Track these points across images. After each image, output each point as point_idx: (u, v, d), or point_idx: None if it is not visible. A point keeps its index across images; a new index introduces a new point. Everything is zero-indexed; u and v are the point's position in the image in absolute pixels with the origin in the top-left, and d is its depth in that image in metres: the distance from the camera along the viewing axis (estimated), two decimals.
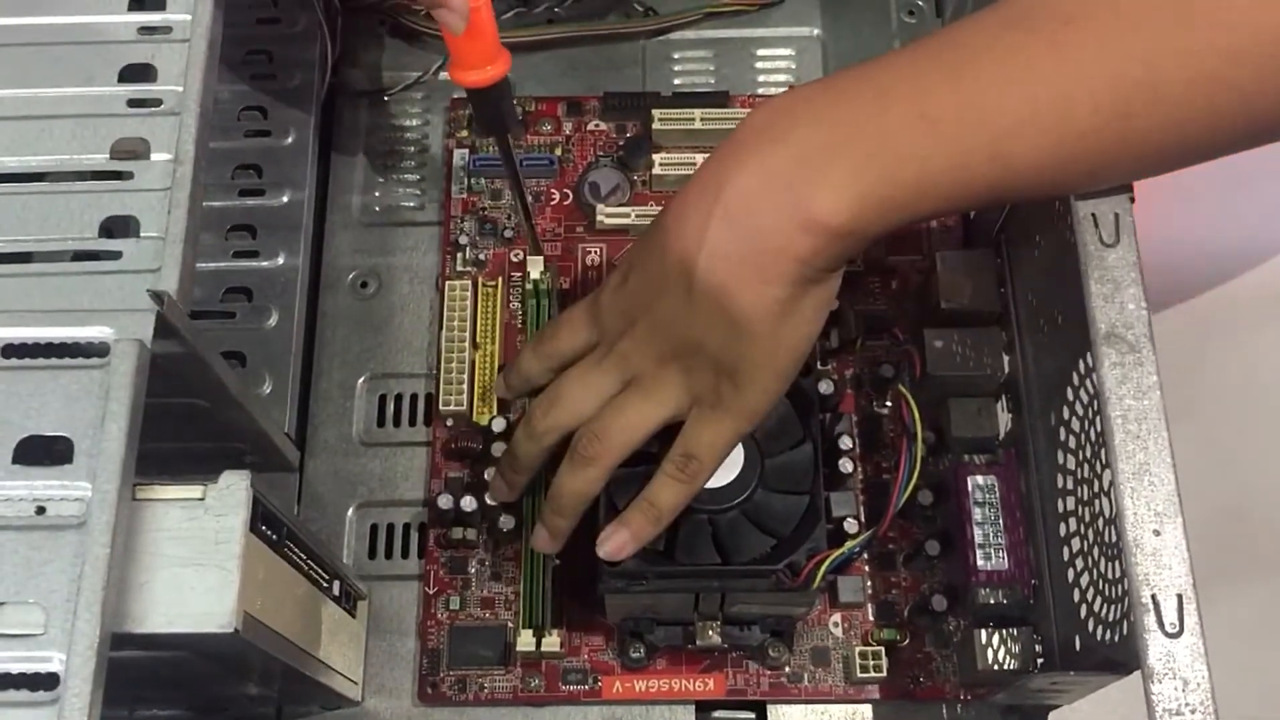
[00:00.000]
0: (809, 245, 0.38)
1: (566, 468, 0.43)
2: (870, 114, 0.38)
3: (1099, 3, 0.36)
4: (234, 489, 0.36)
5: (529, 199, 0.55)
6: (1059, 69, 0.36)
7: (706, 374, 0.41)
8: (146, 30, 0.42)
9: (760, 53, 0.61)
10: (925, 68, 0.38)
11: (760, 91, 0.60)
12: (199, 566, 0.35)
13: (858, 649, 0.49)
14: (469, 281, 0.54)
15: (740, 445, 0.44)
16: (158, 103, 0.41)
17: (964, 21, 0.38)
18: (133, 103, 0.41)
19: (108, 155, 0.40)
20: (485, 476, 0.50)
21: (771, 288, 0.39)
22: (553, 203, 0.57)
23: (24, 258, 0.38)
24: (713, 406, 0.41)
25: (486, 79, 0.45)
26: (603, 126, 0.58)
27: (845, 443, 0.49)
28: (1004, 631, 0.46)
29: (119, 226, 0.39)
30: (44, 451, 0.34)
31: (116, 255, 0.38)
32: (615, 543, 0.42)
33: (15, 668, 0.31)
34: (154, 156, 0.40)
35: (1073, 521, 0.43)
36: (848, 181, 0.37)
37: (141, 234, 0.38)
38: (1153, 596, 0.35)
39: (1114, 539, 0.38)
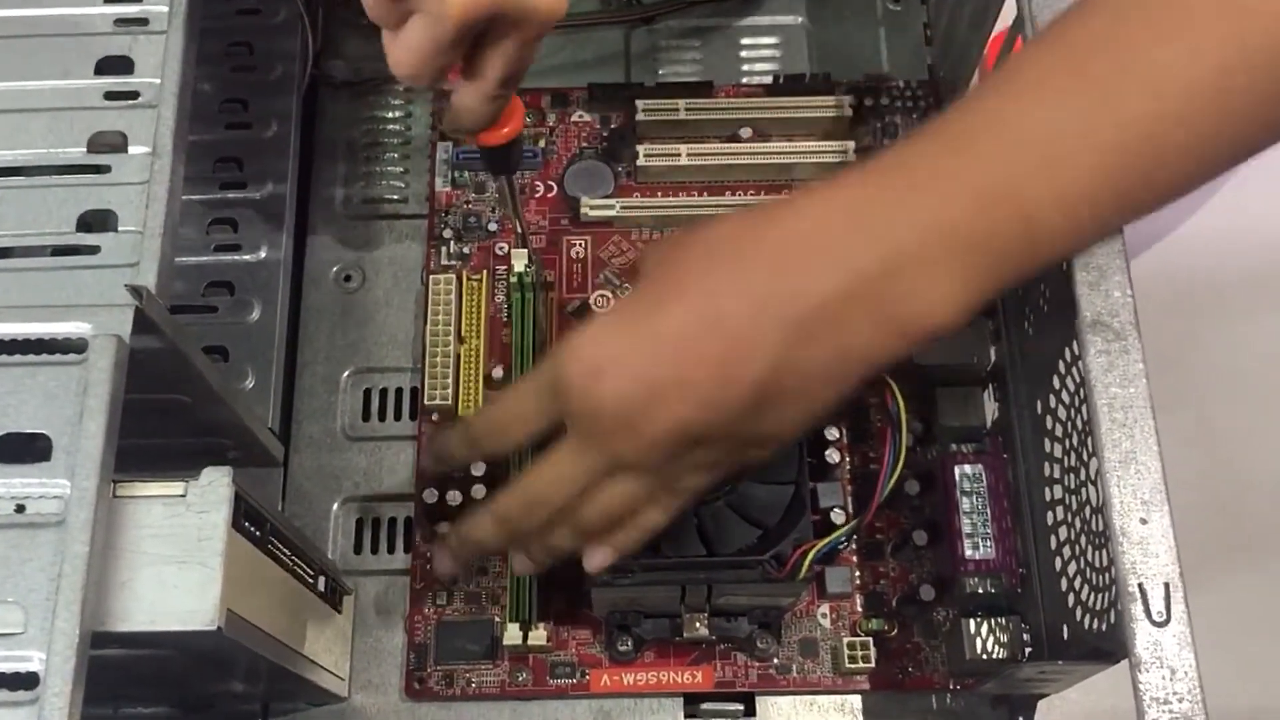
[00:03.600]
0: (903, 348, 0.35)
1: (570, 536, 0.41)
2: (950, 199, 0.35)
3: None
4: (216, 485, 0.36)
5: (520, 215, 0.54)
6: (1105, 100, 0.34)
7: (719, 457, 0.38)
8: (123, 22, 0.41)
9: (745, 41, 0.61)
10: (980, 129, 0.35)
11: (745, 81, 0.59)
12: (181, 564, 0.35)
13: (846, 640, 0.49)
14: (453, 275, 0.54)
15: None
16: (135, 95, 0.40)
17: (994, 83, 0.36)
18: (110, 95, 0.40)
19: (85, 149, 0.39)
20: (471, 470, 0.50)
21: (842, 390, 0.36)
22: (537, 195, 0.57)
23: (1, 253, 0.38)
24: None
25: (506, 137, 0.43)
26: (587, 118, 0.58)
27: (831, 433, 0.49)
28: (992, 621, 0.46)
29: (97, 221, 0.38)
30: (22, 449, 0.34)
31: (95, 250, 0.38)
32: (598, 559, 0.41)
33: None
34: (132, 150, 0.39)
35: (1060, 510, 0.43)
36: (956, 284, 0.35)
37: (120, 228, 0.38)
38: (1140, 585, 0.35)
39: (1101, 527, 0.38)
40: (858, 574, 0.50)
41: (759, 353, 0.35)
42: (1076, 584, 0.41)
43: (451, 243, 0.56)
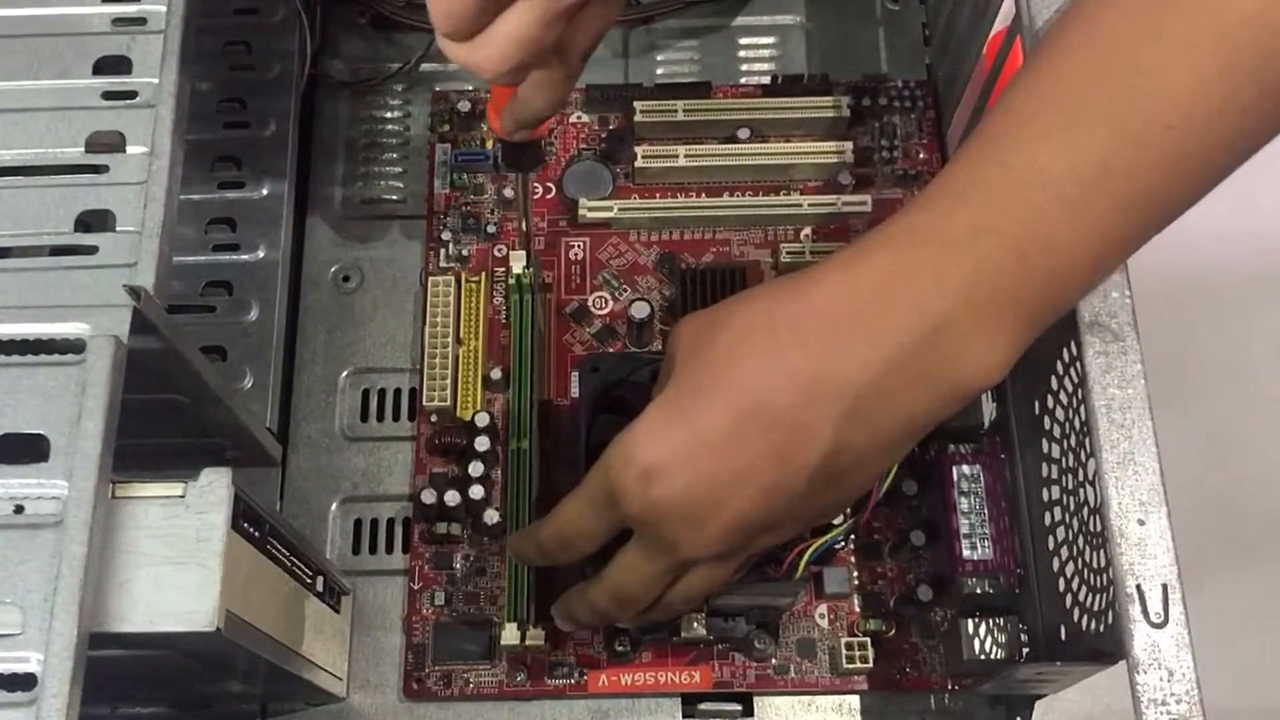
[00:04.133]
0: (954, 408, 0.36)
1: (658, 614, 0.42)
2: (977, 259, 0.34)
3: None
4: (215, 486, 0.36)
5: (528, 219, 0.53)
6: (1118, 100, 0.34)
7: (790, 531, 0.39)
8: (121, 22, 0.41)
9: (743, 42, 0.61)
10: (981, 175, 0.35)
11: (743, 81, 0.59)
12: (180, 565, 0.35)
13: (844, 640, 0.49)
14: (452, 277, 0.53)
15: None
16: (133, 95, 0.40)
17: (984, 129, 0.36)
18: (108, 95, 0.40)
19: (83, 149, 0.39)
20: (470, 471, 0.50)
21: (896, 457, 0.37)
22: (535, 196, 0.56)
23: None
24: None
25: (541, 131, 0.43)
26: (585, 119, 0.58)
27: None
28: (990, 621, 0.46)
29: (95, 221, 0.38)
30: (20, 449, 0.34)
31: (92, 250, 0.38)
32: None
33: None
34: (130, 150, 0.39)
35: (1058, 511, 0.43)
36: (996, 341, 0.35)
37: (118, 228, 0.38)
38: (1138, 586, 0.35)
39: (1099, 528, 0.38)
40: (855, 574, 0.50)
41: (814, 440, 0.35)
42: (1074, 585, 0.41)
43: (450, 244, 0.55)
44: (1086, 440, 0.38)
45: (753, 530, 0.37)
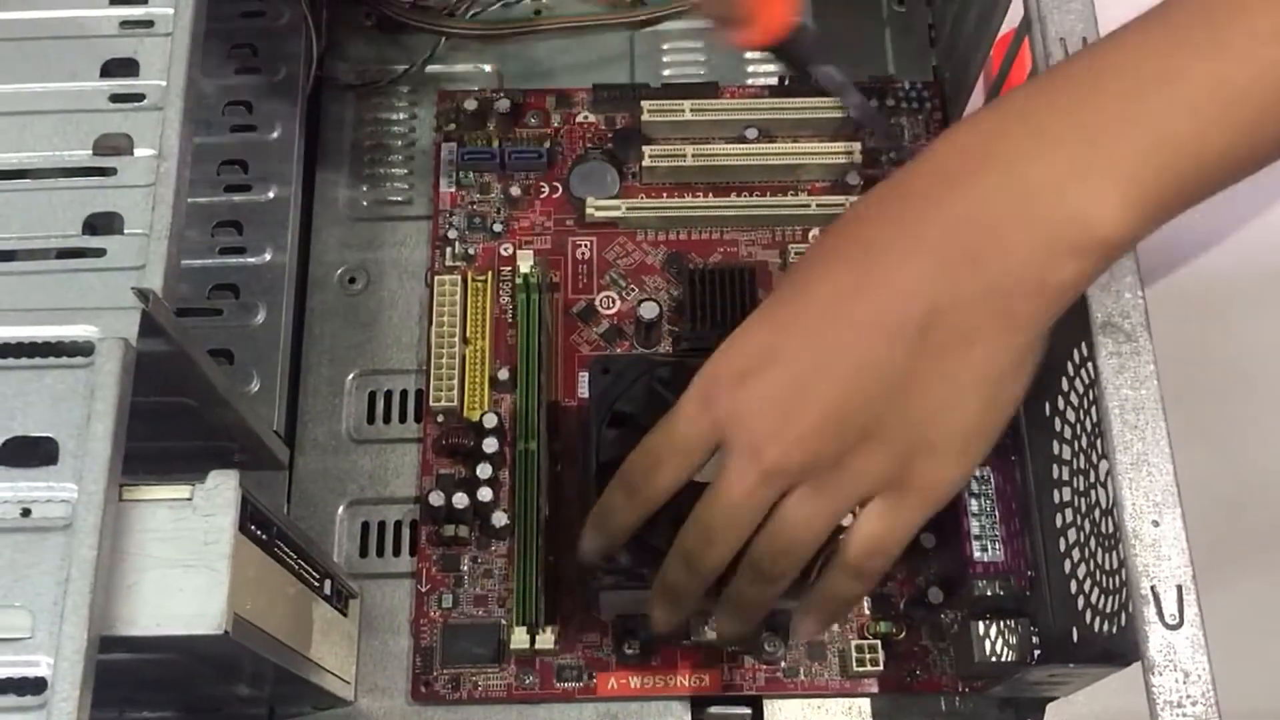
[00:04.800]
0: (1076, 271, 0.33)
1: (750, 583, 0.37)
2: (1124, 106, 0.32)
3: None
4: (222, 488, 0.36)
5: None
6: None
7: (896, 454, 0.34)
8: (129, 24, 0.41)
9: None
10: (1159, 39, 0.33)
11: (750, 82, 0.59)
12: (188, 567, 0.35)
13: (854, 643, 0.48)
14: (458, 276, 0.53)
15: None
16: (141, 98, 0.40)
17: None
18: (115, 98, 0.40)
19: (91, 151, 0.39)
20: (477, 473, 0.50)
21: (1018, 335, 0.33)
22: (542, 195, 0.56)
23: (6, 256, 0.38)
24: (900, 491, 0.35)
25: (785, 23, 0.41)
26: (592, 119, 0.58)
27: None
28: (1001, 623, 0.46)
29: (103, 223, 0.38)
30: (29, 452, 0.34)
31: (100, 253, 0.37)
32: (808, 626, 0.39)
33: (2, 672, 0.31)
34: (137, 152, 0.39)
35: (1069, 512, 0.43)
36: (1127, 186, 0.32)
37: (126, 230, 0.38)
38: (1152, 588, 0.35)
39: (1111, 530, 0.38)
40: None
41: (912, 293, 0.32)
42: (1086, 586, 0.41)
43: (456, 243, 0.55)
44: (1099, 441, 0.38)
45: (848, 428, 0.33)
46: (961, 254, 0.32)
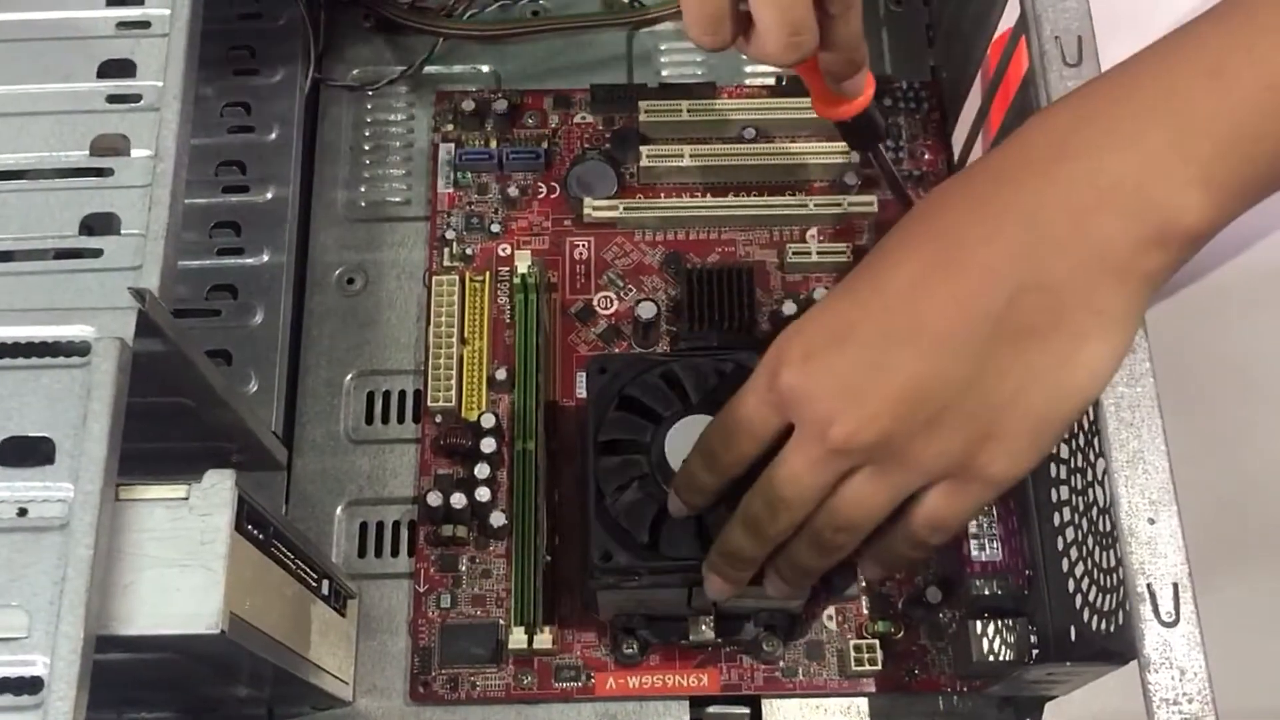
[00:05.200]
0: (1158, 261, 0.32)
1: (810, 551, 0.37)
2: (1205, 97, 0.32)
3: None
4: (218, 488, 0.36)
5: None
6: None
7: (965, 440, 0.33)
8: (125, 25, 0.41)
9: None
10: (1234, 28, 0.33)
11: (748, 82, 0.59)
12: (184, 567, 0.35)
13: (852, 642, 0.48)
14: (456, 276, 0.53)
15: None
16: (137, 98, 0.40)
17: None
18: (112, 99, 0.40)
19: (88, 152, 0.39)
20: (475, 473, 0.50)
21: (1101, 325, 0.32)
22: (539, 196, 0.56)
23: (4, 256, 0.38)
24: (965, 477, 0.34)
25: (863, 104, 0.43)
26: (590, 119, 0.58)
27: None
28: (999, 622, 0.46)
29: (100, 224, 0.38)
30: (26, 452, 0.34)
31: (97, 253, 0.38)
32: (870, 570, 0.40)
33: None
34: (134, 153, 0.39)
35: (1067, 511, 0.43)
36: (1209, 175, 0.32)
37: (122, 231, 0.38)
38: (1148, 586, 0.35)
39: (1108, 528, 0.38)
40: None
41: (997, 275, 0.32)
42: (1084, 585, 0.41)
43: (454, 244, 0.55)
44: (1095, 439, 0.38)
45: (919, 410, 0.33)
46: (1047, 240, 0.32)
